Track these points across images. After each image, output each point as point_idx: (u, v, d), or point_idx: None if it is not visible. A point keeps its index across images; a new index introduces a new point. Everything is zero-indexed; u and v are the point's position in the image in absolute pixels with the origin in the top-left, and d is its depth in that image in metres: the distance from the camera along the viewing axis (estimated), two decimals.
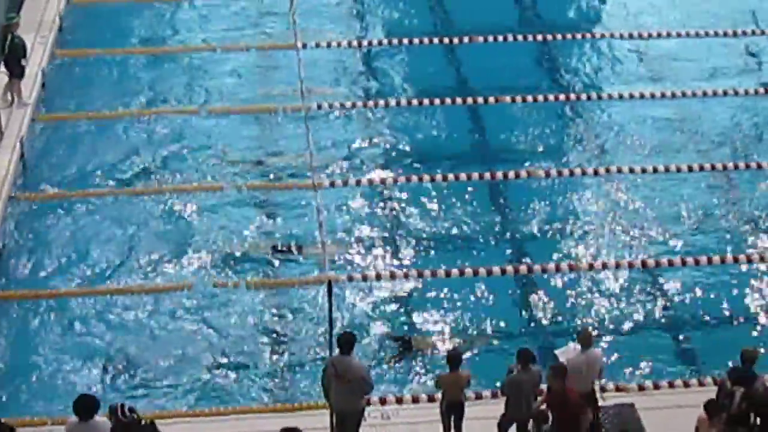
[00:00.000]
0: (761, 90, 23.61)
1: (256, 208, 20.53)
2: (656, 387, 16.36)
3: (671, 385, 16.36)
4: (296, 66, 20.70)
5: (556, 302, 18.42)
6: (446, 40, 24.55)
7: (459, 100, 22.63)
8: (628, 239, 19.84)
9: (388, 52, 25.11)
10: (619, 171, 21.01)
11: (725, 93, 23.17)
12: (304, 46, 22.89)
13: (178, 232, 19.83)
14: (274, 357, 17.42)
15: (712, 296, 18.60)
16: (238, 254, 19.34)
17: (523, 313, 18.35)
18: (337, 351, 14.50)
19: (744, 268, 19.03)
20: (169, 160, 21.56)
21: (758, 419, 14.04)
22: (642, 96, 23.04)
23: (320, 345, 17.33)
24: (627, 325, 18.00)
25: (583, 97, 23.30)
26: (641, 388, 16.33)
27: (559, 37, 24.93)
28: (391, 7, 27.02)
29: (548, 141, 22.38)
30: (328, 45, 24.13)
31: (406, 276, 18.56)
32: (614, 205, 20.63)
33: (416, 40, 24.62)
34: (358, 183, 20.73)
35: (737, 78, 24.27)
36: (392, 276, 18.49)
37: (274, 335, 17.85)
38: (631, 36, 25.33)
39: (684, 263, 18.72)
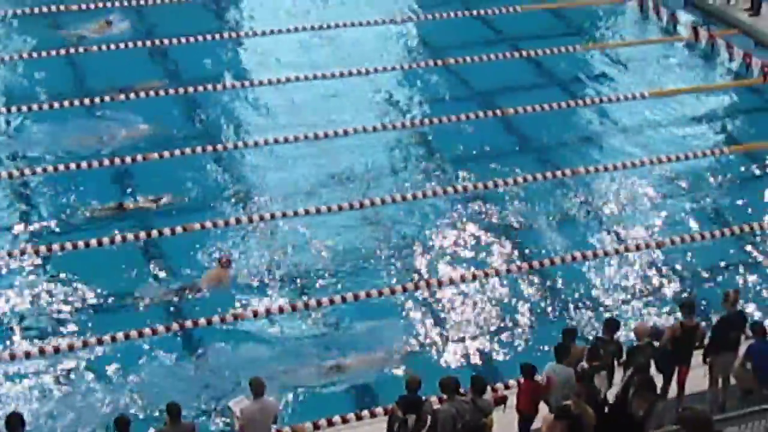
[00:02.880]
0: (403, 125, 24.77)
1: None
2: (330, 423, 16.71)
3: (344, 420, 16.77)
4: None
5: (220, 355, 18.41)
6: (87, 101, 24.21)
7: (106, 162, 22.40)
8: (290, 282, 20.12)
9: (28, 118, 24.50)
10: (273, 217, 21.39)
11: (370, 129, 24.23)
12: None
13: None
14: None
15: (372, 329, 19.04)
16: None
17: (192, 371, 18.18)
18: None
19: (397, 300, 19.67)
20: None
21: None
22: (288, 140, 23.66)
23: None
24: (295, 372, 18.07)
25: (230, 146, 23.59)
26: (317, 426, 16.64)
27: (201, 89, 25.22)
28: (25, 72, 26.36)
29: (199, 193, 22.37)
30: None
31: (56, 350, 18.12)
32: (273, 252, 20.88)
33: (56, 104, 24.17)
34: None
35: (380, 115, 25.31)
36: (41, 352, 18.00)
37: None
38: (271, 82, 26.00)
39: (345, 300, 19.31)
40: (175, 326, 18.33)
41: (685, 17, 29.84)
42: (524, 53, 27.87)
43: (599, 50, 29.19)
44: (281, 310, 19.17)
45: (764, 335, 16.09)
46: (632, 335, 16.32)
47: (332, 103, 25.63)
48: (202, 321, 18.53)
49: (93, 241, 20.04)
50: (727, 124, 26.00)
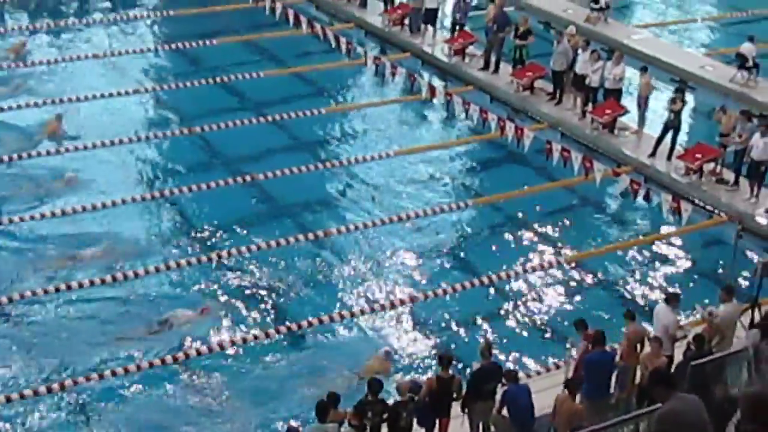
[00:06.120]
0: (153, 195, 24.63)
1: None
2: None
3: None
4: None
5: None
6: None
7: None
8: (40, 362, 19.46)
9: None
10: (22, 297, 20.78)
11: (119, 202, 23.93)
12: None
13: None
14: None
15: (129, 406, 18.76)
16: None
17: None
18: None
19: (155, 371, 19.32)
20: None
21: None
22: (33, 218, 23.17)
23: None
24: None
25: None
26: None
27: None
28: None
29: None
30: None
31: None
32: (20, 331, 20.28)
33: None
34: None
35: (128, 186, 25.00)
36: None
37: None
38: (12, 159, 25.34)
39: (88, 379, 18.89)
40: None
41: (423, 76, 30.74)
42: (270, 118, 28.15)
43: (343, 112, 29.81)
44: (36, 393, 18.49)
45: (517, 380, 16.72)
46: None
47: (78, 176, 25.07)
48: None
49: None
50: (469, 178, 26.96)
